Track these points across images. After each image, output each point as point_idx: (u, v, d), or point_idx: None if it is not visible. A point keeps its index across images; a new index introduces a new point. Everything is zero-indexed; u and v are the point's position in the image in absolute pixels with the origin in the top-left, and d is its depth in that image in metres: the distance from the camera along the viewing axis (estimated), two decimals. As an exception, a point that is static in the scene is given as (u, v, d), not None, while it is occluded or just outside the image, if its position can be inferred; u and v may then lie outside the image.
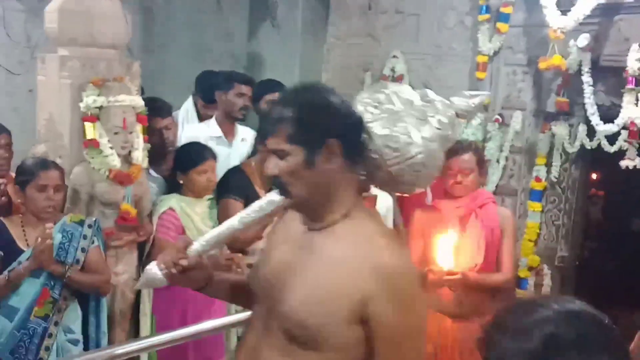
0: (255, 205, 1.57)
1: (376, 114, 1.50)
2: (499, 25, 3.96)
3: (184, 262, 1.49)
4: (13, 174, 2.69)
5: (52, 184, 2.51)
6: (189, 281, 1.55)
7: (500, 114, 4.02)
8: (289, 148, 1.39)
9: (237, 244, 3.06)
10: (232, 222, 1.58)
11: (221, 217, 3.08)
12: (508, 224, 2.93)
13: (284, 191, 1.45)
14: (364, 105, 1.52)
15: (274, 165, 1.42)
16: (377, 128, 1.48)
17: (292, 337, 1.40)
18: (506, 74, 4.03)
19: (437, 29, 4.37)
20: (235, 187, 3.10)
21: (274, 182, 1.47)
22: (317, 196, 1.43)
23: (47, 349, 2.53)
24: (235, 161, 3.40)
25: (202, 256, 1.54)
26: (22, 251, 2.47)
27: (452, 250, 2.73)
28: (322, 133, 1.38)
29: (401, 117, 1.49)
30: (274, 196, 1.51)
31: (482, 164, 2.96)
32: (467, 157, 2.86)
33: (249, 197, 3.09)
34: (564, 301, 0.99)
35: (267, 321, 1.47)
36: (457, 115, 1.59)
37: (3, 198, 2.48)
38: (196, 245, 1.54)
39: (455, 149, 2.87)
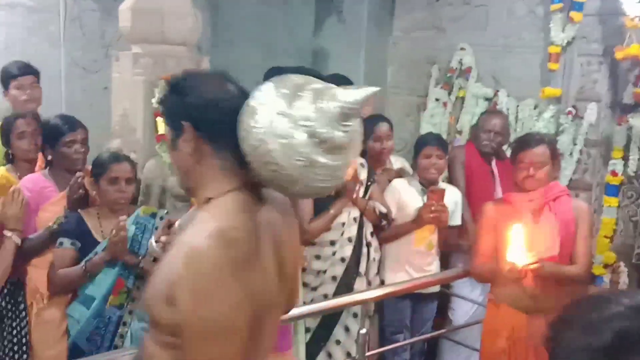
0: None
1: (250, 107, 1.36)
2: (573, 14, 3.82)
3: (163, 239, 1.81)
4: (90, 168, 2.81)
5: (124, 176, 2.59)
6: None
7: (573, 106, 3.89)
8: (167, 129, 1.45)
9: (305, 235, 3.09)
10: None
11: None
12: (584, 217, 2.83)
13: None
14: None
15: None
16: (239, 123, 1.36)
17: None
18: (580, 65, 3.89)
19: (506, 19, 4.26)
20: None
21: None
22: (185, 179, 1.45)
23: (122, 336, 2.61)
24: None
25: None
26: (98, 242, 2.55)
27: (523, 245, 2.65)
28: (177, 115, 1.38)
29: (254, 109, 1.34)
30: None
31: (555, 158, 2.87)
32: (539, 150, 2.78)
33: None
34: (634, 295, 0.95)
35: None
36: (341, 113, 1.33)
37: (80, 191, 2.57)
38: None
39: (526, 142, 2.84)
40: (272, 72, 4.12)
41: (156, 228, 2.67)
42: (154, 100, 2.82)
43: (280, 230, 1.45)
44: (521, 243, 2.64)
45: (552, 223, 2.78)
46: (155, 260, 2.64)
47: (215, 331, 1.29)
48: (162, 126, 2.81)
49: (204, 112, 1.37)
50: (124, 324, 2.62)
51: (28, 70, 3.29)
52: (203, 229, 1.31)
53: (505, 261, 2.68)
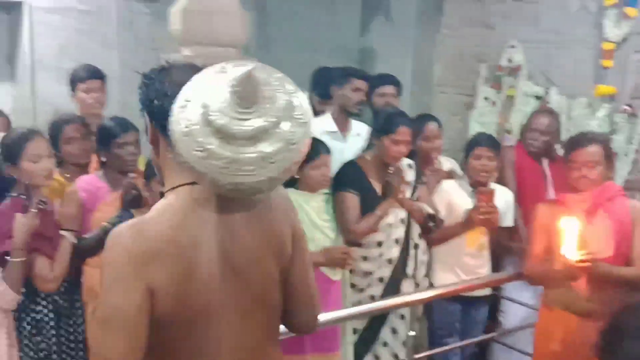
0: None
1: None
2: (627, 9, 3.73)
3: None
4: (142, 169, 2.87)
5: None
6: None
7: (629, 104, 3.78)
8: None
9: (351, 236, 3.09)
10: None
11: (338, 211, 3.12)
12: None
13: None
14: None
15: None
16: None
17: None
18: (636, 62, 3.78)
19: (558, 15, 4.16)
20: (350, 180, 3.13)
21: None
22: (156, 170, 1.49)
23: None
24: (349, 156, 3.42)
25: None
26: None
27: (576, 239, 2.59)
28: (141, 104, 1.41)
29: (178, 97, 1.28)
30: None
31: (609, 157, 2.80)
32: (592, 150, 2.72)
33: (364, 190, 3.12)
34: None
35: None
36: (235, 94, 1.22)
37: (133, 191, 2.63)
38: None
39: (579, 141, 2.79)
40: (320, 73, 4.17)
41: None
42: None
43: (237, 226, 1.38)
44: (574, 237, 2.57)
45: (606, 224, 2.72)
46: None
47: (108, 319, 1.28)
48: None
49: (157, 103, 1.36)
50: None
51: (95, 74, 3.43)
52: (133, 220, 1.37)
53: (557, 256, 2.62)
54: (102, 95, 3.45)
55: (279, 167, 1.23)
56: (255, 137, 1.21)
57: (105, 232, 2.59)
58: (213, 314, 1.37)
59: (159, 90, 1.37)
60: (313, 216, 3.07)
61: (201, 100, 1.22)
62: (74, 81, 3.42)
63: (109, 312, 1.29)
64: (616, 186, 2.92)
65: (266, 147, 1.21)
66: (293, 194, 3.07)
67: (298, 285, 1.51)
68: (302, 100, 1.29)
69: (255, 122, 1.21)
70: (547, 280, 2.78)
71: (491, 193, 3.21)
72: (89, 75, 3.40)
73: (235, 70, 1.25)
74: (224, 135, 1.20)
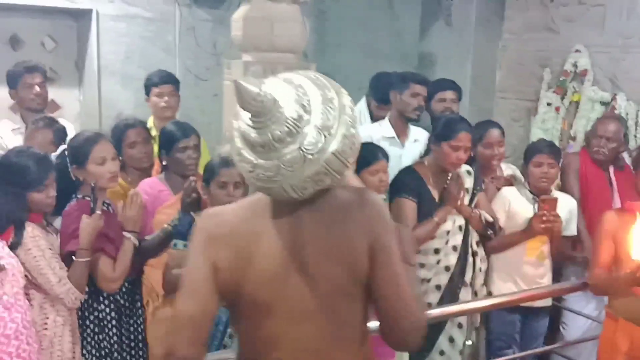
0: None
1: None
2: (702, 11, 3.56)
3: None
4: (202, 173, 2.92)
5: (232, 180, 2.64)
6: None
7: (701, 110, 3.62)
8: None
9: None
10: None
11: (395, 217, 3.10)
12: None
13: None
14: None
15: None
16: None
17: None
18: None
19: (626, 19, 4.03)
20: (408, 186, 3.10)
21: None
22: None
23: (231, 336, 2.68)
24: (407, 162, 3.39)
25: None
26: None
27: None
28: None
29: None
30: None
31: None
32: None
33: (422, 197, 3.09)
34: None
35: None
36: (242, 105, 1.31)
37: (193, 195, 2.67)
38: None
39: None
40: (378, 78, 4.16)
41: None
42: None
43: (304, 230, 1.43)
44: None
45: None
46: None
47: (183, 285, 1.46)
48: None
49: None
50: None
51: (168, 79, 3.58)
52: (217, 207, 1.58)
53: (627, 261, 2.52)
54: (174, 100, 3.58)
55: (299, 176, 1.31)
56: (268, 145, 1.31)
57: (166, 234, 2.66)
58: (275, 309, 1.45)
59: None
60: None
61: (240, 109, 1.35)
62: (148, 86, 3.57)
63: (184, 279, 1.47)
64: None
65: (283, 156, 1.30)
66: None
67: (383, 302, 1.47)
68: (328, 110, 1.32)
69: (265, 132, 1.30)
70: (612, 289, 2.68)
71: (554, 201, 3.12)
72: (161, 80, 3.54)
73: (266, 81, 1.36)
74: (247, 142, 1.34)
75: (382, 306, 1.47)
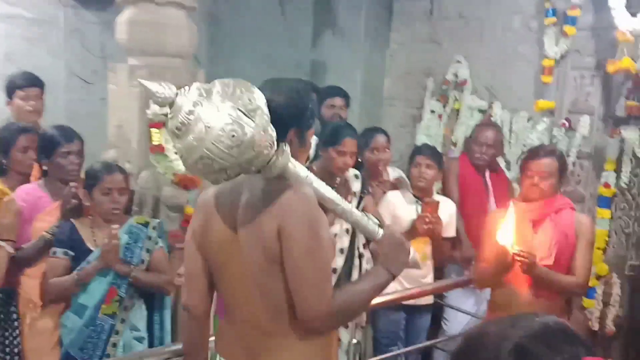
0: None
1: None
2: (566, 28, 3.87)
3: None
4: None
5: (116, 187, 2.61)
6: None
7: (567, 119, 3.92)
8: None
9: None
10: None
11: None
12: (585, 231, 2.84)
13: None
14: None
15: None
16: None
17: None
18: (573, 78, 3.93)
19: (501, 33, 4.31)
20: None
21: None
22: None
23: (114, 345, 2.63)
24: (296, 166, 3.45)
25: None
26: (90, 251, 2.59)
27: (512, 228, 2.67)
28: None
29: None
30: None
31: (563, 171, 2.89)
32: (547, 162, 2.81)
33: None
34: (521, 332, 0.95)
35: None
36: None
37: (74, 201, 2.60)
38: None
39: (536, 152, 2.89)
40: (267, 84, 4.18)
41: (149, 237, 2.72)
42: (148, 112, 2.86)
43: (242, 206, 1.68)
44: (511, 227, 2.65)
45: (550, 234, 2.81)
46: (147, 269, 2.68)
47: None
48: (156, 137, 2.85)
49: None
50: (117, 332, 2.65)
51: (34, 81, 3.34)
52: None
53: (495, 243, 2.69)
54: (39, 103, 3.35)
55: (186, 164, 1.56)
56: (173, 134, 1.54)
57: (45, 242, 2.58)
58: (222, 276, 1.76)
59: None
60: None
61: None
62: (11, 88, 3.33)
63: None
64: (565, 199, 2.99)
65: (177, 144, 1.55)
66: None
67: (288, 286, 1.64)
68: (213, 107, 1.50)
69: (170, 122, 1.54)
70: (491, 280, 2.85)
71: (436, 204, 3.28)
72: (27, 83, 3.31)
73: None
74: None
75: (290, 289, 1.65)
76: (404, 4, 4.93)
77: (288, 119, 1.68)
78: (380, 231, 1.82)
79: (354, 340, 2.85)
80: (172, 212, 2.96)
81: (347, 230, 3.23)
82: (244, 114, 1.51)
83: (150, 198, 2.92)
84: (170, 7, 2.98)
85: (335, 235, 3.19)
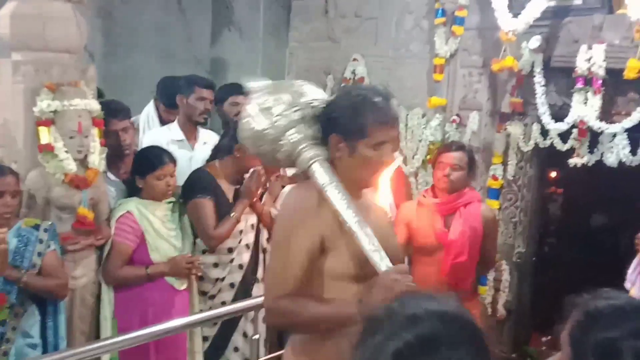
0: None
1: None
2: (455, 28, 4.04)
3: None
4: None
5: (9, 189, 2.51)
6: None
7: (457, 115, 4.11)
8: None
9: (212, 242, 3.09)
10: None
11: (194, 218, 3.11)
12: (491, 223, 3.15)
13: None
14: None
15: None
16: None
17: None
18: (462, 76, 4.11)
19: (395, 32, 4.44)
20: (204, 187, 3.13)
21: None
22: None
23: (5, 353, 2.53)
24: (197, 164, 3.43)
25: None
26: (-22, 257, 2.46)
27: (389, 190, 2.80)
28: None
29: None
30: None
31: (472, 166, 3.16)
32: (458, 155, 3.08)
33: (217, 196, 3.14)
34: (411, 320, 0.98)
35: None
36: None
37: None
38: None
39: (448, 146, 3.20)
40: (165, 81, 4.11)
41: (40, 240, 2.61)
42: (35, 109, 2.74)
43: None
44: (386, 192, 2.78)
45: (459, 231, 3.04)
46: (39, 273, 2.58)
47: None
48: (44, 135, 2.74)
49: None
50: (7, 340, 2.55)
51: None
52: None
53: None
54: None
55: None
56: None
57: None
58: None
59: None
60: (157, 225, 3.05)
61: None
62: None
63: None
64: (474, 193, 3.22)
65: None
66: (136, 202, 3.03)
67: None
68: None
69: None
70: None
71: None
72: None
73: None
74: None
75: None
76: (302, 2, 4.98)
77: (327, 122, 1.78)
78: (383, 267, 1.69)
79: (256, 335, 2.86)
80: (63, 214, 2.85)
81: (252, 226, 3.25)
82: (261, 111, 1.78)
83: (39, 199, 2.80)
84: (56, 0, 2.87)
85: (241, 231, 3.20)
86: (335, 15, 4.75)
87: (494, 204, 3.95)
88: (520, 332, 4.15)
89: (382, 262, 1.68)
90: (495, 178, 3.95)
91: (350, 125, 1.73)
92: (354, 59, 4.57)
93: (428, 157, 4.09)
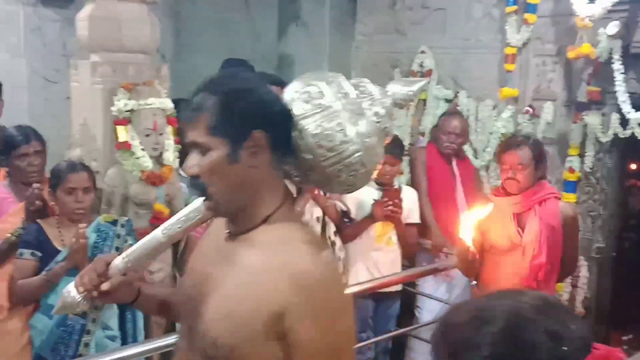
0: (180, 215, 1.43)
1: (307, 110, 1.29)
2: (527, 16, 3.93)
3: (105, 287, 1.38)
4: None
5: (81, 186, 2.58)
6: (113, 299, 1.49)
7: (530, 106, 3.99)
8: (211, 141, 1.23)
9: None
10: (155, 234, 1.46)
11: None
12: (570, 220, 2.83)
13: (203, 193, 1.27)
14: (292, 100, 1.32)
15: (193, 163, 1.24)
16: (309, 125, 1.28)
17: (209, 358, 1.24)
18: (535, 65, 3.99)
19: (464, 22, 4.35)
20: None
21: (192, 184, 1.28)
22: (239, 197, 1.26)
23: (86, 345, 2.60)
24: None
25: (127, 272, 1.44)
26: (58, 251, 2.55)
27: (473, 225, 2.67)
28: (248, 123, 1.23)
29: (335, 112, 1.29)
30: (200, 202, 1.36)
31: (540, 159, 2.82)
32: (521, 153, 2.75)
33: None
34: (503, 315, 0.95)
35: (190, 340, 1.31)
36: (395, 104, 1.42)
37: (37, 202, 2.55)
38: (117, 263, 1.43)
39: (509, 144, 2.85)
40: (229, 62, 4.06)
41: (117, 235, 2.69)
42: (113, 108, 2.83)
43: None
44: (469, 225, 2.66)
45: (536, 231, 2.76)
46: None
47: (338, 356, 1.24)
48: (122, 134, 2.82)
49: (280, 121, 1.27)
50: (88, 332, 2.62)
51: None
52: (300, 253, 1.21)
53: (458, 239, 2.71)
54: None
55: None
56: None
57: (10, 244, 2.53)
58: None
59: (281, 110, 1.30)
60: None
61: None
62: None
63: (339, 348, 1.26)
64: (549, 188, 2.92)
65: None
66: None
67: None
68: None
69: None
70: (474, 270, 2.87)
71: (397, 192, 3.34)
72: None
73: None
74: (388, 136, 1.47)
75: None
76: (368, -5, 4.95)
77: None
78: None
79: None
80: (140, 210, 2.93)
81: (317, 219, 3.25)
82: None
83: (118, 196, 2.89)
84: (131, 2, 2.96)
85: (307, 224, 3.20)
86: (402, 7, 4.69)
87: (571, 197, 3.82)
88: (599, 330, 3.99)
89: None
90: (571, 170, 3.82)
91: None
92: (422, 51, 4.51)
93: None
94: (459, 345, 0.94)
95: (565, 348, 0.89)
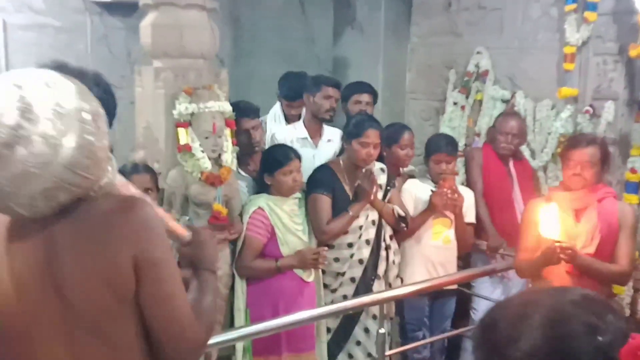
0: None
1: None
2: (587, 14, 3.84)
3: None
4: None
5: (143, 186, 2.67)
6: None
7: (591, 105, 3.90)
8: None
9: (324, 236, 3.18)
10: None
11: (310, 212, 3.22)
12: (628, 219, 2.81)
13: None
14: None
15: None
16: None
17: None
18: (596, 64, 3.90)
19: (521, 22, 4.30)
20: (322, 183, 3.23)
21: None
22: None
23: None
24: (320, 161, 3.52)
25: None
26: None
27: (556, 221, 2.64)
28: None
29: None
30: None
31: (606, 160, 2.83)
32: (589, 151, 2.76)
33: (336, 192, 3.22)
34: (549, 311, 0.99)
35: None
36: None
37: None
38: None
39: (578, 141, 2.84)
40: (285, 77, 4.21)
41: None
42: (174, 112, 2.95)
43: (61, 248, 1.26)
44: (554, 220, 2.64)
45: (593, 223, 2.78)
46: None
47: None
48: (183, 136, 2.93)
49: None
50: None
51: None
52: None
53: (540, 238, 2.68)
54: None
55: (25, 193, 1.18)
56: None
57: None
58: (27, 337, 1.31)
59: None
60: (286, 220, 3.16)
61: None
62: None
63: None
64: (608, 188, 2.96)
65: (3, 171, 1.16)
66: (266, 198, 3.16)
67: (153, 322, 1.33)
68: (56, 116, 1.18)
69: None
70: (532, 270, 2.85)
71: (452, 179, 3.35)
72: None
73: None
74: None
75: (153, 327, 1.33)
76: (423, -3, 4.95)
77: None
78: (188, 233, 1.57)
79: (382, 330, 2.89)
80: (200, 209, 3.03)
81: (373, 222, 3.29)
82: None
83: (178, 196, 3.00)
84: (192, 9, 3.06)
85: (361, 227, 3.25)
86: (457, 8, 4.68)
87: (633, 198, 3.72)
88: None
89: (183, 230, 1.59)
90: (634, 171, 3.71)
91: None
92: (478, 52, 4.48)
93: (558, 150, 3.92)
94: (500, 342, 0.97)
95: (601, 338, 0.91)
